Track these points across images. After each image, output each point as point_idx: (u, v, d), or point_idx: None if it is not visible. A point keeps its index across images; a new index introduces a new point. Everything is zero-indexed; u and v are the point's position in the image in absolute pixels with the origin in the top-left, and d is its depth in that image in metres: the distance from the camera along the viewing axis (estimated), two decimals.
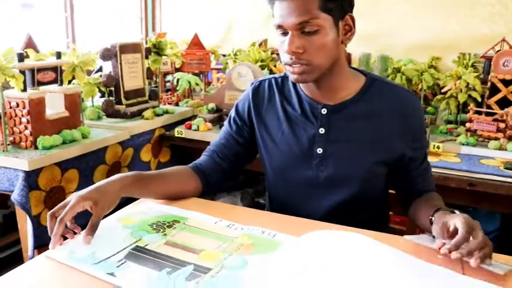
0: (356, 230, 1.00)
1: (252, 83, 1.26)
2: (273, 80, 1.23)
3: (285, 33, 1.03)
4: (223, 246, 0.93)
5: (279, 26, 1.02)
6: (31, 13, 3.00)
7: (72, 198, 0.94)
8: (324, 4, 0.98)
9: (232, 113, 1.28)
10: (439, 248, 0.86)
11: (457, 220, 0.88)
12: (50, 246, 0.90)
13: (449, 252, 0.83)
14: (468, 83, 1.99)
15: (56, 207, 0.94)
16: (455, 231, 0.87)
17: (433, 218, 0.99)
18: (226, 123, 1.30)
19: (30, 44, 2.32)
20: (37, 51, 2.25)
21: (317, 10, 0.98)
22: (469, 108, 1.93)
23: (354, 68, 1.17)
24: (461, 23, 2.95)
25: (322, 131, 1.12)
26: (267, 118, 1.21)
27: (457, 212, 0.96)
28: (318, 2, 0.97)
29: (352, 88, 1.12)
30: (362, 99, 1.12)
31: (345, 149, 1.12)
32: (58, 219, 0.91)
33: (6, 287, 0.79)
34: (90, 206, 0.95)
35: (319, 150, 1.13)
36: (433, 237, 0.96)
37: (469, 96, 1.99)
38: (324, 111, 1.12)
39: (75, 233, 0.95)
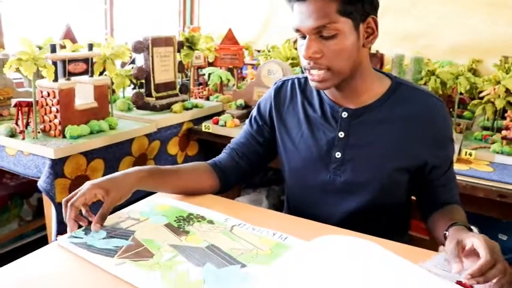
0: (372, 238, 0.97)
1: (276, 83, 1.25)
2: (296, 80, 1.21)
3: (303, 37, 1.00)
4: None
5: (297, 30, 1.00)
6: (90, 3, 3.08)
7: (85, 185, 0.97)
8: (343, 8, 0.94)
9: (254, 112, 1.27)
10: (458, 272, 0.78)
11: (475, 240, 0.79)
12: (68, 230, 0.94)
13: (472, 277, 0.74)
14: (508, 89, 1.89)
15: (70, 195, 0.96)
16: (472, 251, 0.80)
17: (447, 233, 0.94)
18: (247, 121, 1.29)
19: (68, 34, 2.39)
20: (75, 41, 2.32)
21: (335, 14, 0.94)
22: (506, 115, 1.84)
23: (380, 71, 1.13)
24: (508, 24, 2.80)
25: (341, 135, 1.09)
26: (287, 119, 1.19)
27: (475, 229, 0.90)
28: (336, 5, 0.94)
29: (376, 92, 1.08)
30: (385, 103, 1.08)
31: (364, 155, 1.08)
32: (69, 203, 0.93)
33: (15, 273, 0.81)
34: (102, 195, 0.96)
35: (338, 155, 1.10)
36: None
37: (508, 102, 1.89)
38: (344, 114, 1.09)
39: (90, 222, 0.96)
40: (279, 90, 1.22)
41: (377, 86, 1.09)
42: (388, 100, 1.08)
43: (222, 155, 1.27)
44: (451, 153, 1.14)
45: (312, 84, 1.05)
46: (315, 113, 1.14)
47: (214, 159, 1.26)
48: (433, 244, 1.14)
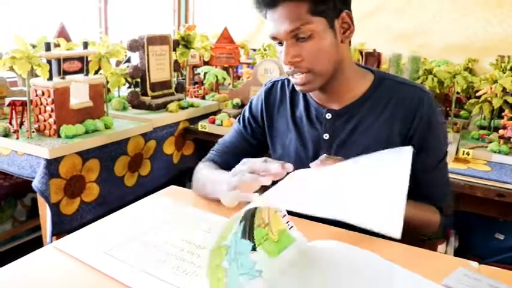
0: (370, 238, 0.96)
1: (265, 84, 1.23)
2: (285, 81, 1.19)
3: (281, 43, 0.98)
4: None
5: (274, 37, 0.98)
6: (84, 2, 3.04)
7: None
8: (315, 7, 0.93)
9: (246, 113, 1.24)
10: None
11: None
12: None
13: None
14: (504, 88, 1.89)
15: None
16: None
17: None
18: (238, 122, 1.26)
19: (62, 32, 2.36)
20: (69, 40, 2.29)
21: (307, 14, 0.93)
22: (503, 114, 1.84)
23: (363, 66, 1.11)
24: (503, 23, 2.81)
25: (326, 136, 1.08)
26: (277, 121, 1.18)
27: None
28: (307, 6, 0.93)
29: (359, 89, 1.06)
30: (368, 100, 1.06)
31: (350, 155, 1.05)
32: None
33: (9, 277, 0.79)
34: None
35: None
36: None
37: (505, 101, 1.90)
38: (328, 116, 1.08)
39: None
40: (269, 92, 1.20)
41: (360, 83, 1.06)
42: (372, 96, 1.05)
43: (214, 157, 1.23)
44: (442, 147, 1.07)
45: (297, 88, 1.03)
46: (301, 115, 1.13)
47: (207, 158, 1.23)
48: (432, 245, 1.13)
